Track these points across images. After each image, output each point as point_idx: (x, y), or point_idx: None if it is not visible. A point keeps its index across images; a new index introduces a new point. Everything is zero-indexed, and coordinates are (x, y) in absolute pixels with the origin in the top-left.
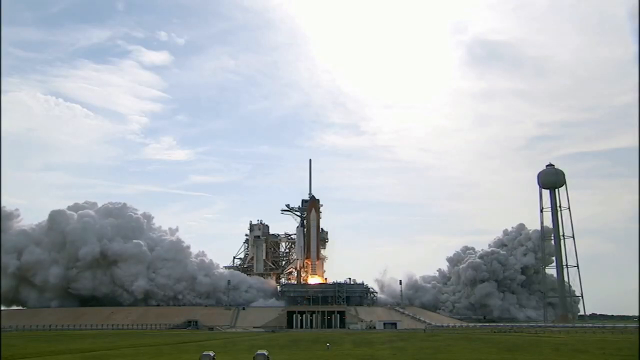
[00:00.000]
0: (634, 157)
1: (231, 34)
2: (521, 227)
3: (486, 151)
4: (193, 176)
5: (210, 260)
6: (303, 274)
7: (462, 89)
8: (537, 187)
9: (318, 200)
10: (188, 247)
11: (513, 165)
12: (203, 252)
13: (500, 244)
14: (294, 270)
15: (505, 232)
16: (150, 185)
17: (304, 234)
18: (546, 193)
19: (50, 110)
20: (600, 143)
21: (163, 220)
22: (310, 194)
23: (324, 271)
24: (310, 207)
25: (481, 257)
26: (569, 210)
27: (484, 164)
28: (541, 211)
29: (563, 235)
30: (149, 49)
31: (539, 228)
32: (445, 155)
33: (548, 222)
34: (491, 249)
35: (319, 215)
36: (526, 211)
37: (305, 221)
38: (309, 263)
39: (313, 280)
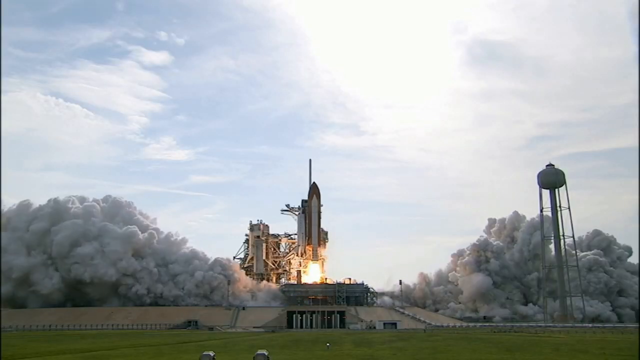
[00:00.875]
0: (634, 157)
1: (231, 34)
2: (516, 216)
3: (486, 151)
4: (193, 176)
5: (206, 255)
6: (303, 273)
7: (462, 89)
8: (537, 187)
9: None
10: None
11: (513, 165)
12: (203, 253)
13: (497, 229)
14: (295, 256)
15: (501, 222)
16: (150, 185)
17: (305, 220)
18: (546, 193)
19: (50, 110)
20: (600, 143)
21: (163, 221)
22: (311, 183)
23: (324, 272)
24: (312, 194)
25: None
26: (569, 210)
27: (484, 164)
28: (541, 211)
29: (563, 235)
30: (148, 49)
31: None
32: (445, 155)
33: (548, 222)
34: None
35: (320, 202)
36: (526, 211)
37: (306, 208)
38: (311, 249)
39: (314, 266)
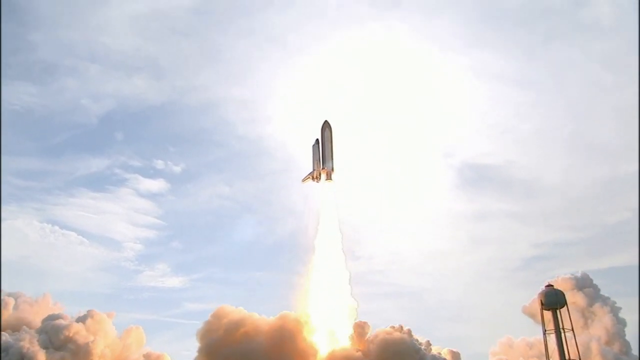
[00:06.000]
0: (633, 275)
1: (226, 161)
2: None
3: (482, 273)
4: (187, 303)
5: None
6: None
7: (455, 211)
8: (538, 308)
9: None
10: None
11: (511, 286)
12: None
13: None
14: (310, 179)
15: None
16: (144, 313)
17: (319, 148)
18: (548, 314)
19: (45, 237)
20: (596, 262)
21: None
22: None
23: None
24: (324, 127)
25: None
26: (573, 332)
27: (481, 285)
28: (544, 333)
29: (569, 358)
30: (145, 176)
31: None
32: (442, 278)
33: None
34: None
35: (332, 133)
36: (528, 333)
37: (320, 139)
38: (325, 172)
39: (328, 184)
